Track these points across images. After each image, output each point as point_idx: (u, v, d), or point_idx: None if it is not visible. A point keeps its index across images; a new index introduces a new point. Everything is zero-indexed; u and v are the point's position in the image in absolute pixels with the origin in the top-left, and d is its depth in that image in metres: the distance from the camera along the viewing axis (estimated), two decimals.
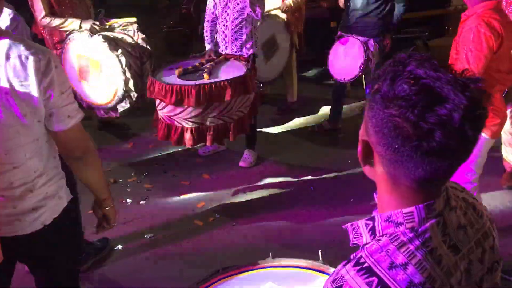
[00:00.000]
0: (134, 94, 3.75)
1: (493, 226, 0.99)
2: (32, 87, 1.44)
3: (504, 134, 3.54)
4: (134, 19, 3.95)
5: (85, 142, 1.66)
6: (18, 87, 1.43)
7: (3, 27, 1.72)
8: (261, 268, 1.72)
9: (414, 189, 0.86)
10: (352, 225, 0.94)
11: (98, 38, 3.63)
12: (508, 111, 3.45)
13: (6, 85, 1.42)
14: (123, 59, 3.69)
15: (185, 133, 3.18)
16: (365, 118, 0.89)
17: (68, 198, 1.72)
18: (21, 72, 1.43)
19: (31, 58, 1.43)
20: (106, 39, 3.69)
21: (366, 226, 0.92)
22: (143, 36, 4.06)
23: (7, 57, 1.42)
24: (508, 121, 3.47)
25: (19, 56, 1.43)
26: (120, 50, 3.68)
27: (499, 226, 1.04)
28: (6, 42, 1.45)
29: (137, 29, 4.00)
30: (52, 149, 1.64)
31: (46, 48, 1.55)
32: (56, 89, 1.49)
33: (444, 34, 5.76)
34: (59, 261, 1.78)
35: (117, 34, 3.88)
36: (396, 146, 0.82)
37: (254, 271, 1.71)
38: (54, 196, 1.66)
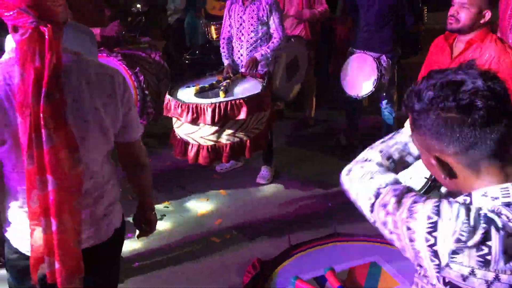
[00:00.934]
0: (151, 111, 3.80)
1: None
2: (117, 101, 1.57)
3: None
4: (146, 43, 4.03)
5: (145, 150, 1.81)
6: (105, 103, 1.54)
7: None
8: (374, 241, 1.80)
9: (497, 165, 0.96)
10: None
11: (116, 56, 3.70)
12: None
13: (96, 101, 1.52)
14: (141, 76, 3.75)
15: (201, 151, 3.19)
16: (418, 142, 1.02)
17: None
18: (108, 89, 1.55)
19: (113, 75, 1.57)
20: (124, 57, 3.75)
21: (464, 201, 0.99)
22: (160, 53, 4.13)
23: (96, 75, 1.53)
24: None
25: (104, 74, 1.55)
26: (137, 68, 3.75)
27: None
28: (88, 62, 1.56)
29: (153, 46, 4.07)
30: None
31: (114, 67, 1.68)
32: (132, 103, 1.64)
33: (417, 52, 5.76)
34: (117, 268, 1.87)
35: (134, 51, 3.95)
36: (457, 136, 0.93)
37: (366, 243, 1.79)
38: (117, 200, 1.75)
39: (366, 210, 1.12)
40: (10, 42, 1.56)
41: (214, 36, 5.50)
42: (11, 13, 1.35)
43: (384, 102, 4.19)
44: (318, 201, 3.69)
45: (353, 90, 4.05)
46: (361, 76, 3.99)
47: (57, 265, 1.47)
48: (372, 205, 1.09)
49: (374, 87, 3.91)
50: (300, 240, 2.50)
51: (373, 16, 3.98)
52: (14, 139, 1.42)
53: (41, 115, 1.36)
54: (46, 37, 1.36)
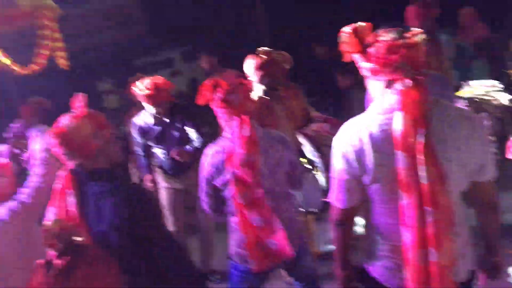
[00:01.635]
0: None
1: None
2: (476, 142, 1.61)
3: None
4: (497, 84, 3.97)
5: (497, 192, 1.75)
6: (465, 143, 1.59)
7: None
8: None
9: None
10: None
11: (463, 102, 3.83)
12: None
13: (457, 141, 1.58)
14: (487, 122, 3.70)
15: None
16: None
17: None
18: (467, 130, 1.60)
19: (474, 119, 1.64)
20: (471, 102, 3.83)
21: None
22: (510, 97, 3.96)
23: (456, 117, 1.60)
24: None
25: (463, 116, 1.61)
26: (483, 113, 3.74)
27: None
28: (447, 106, 1.64)
29: (502, 89, 3.94)
30: None
31: None
32: (488, 145, 1.68)
33: None
34: None
35: (482, 96, 3.96)
36: None
37: None
38: (468, 246, 1.74)
39: None
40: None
41: None
42: (388, 69, 1.53)
43: None
44: None
45: None
46: None
47: None
48: None
49: None
50: None
51: None
52: (388, 177, 1.57)
53: (422, 154, 1.50)
54: (422, 85, 1.52)
